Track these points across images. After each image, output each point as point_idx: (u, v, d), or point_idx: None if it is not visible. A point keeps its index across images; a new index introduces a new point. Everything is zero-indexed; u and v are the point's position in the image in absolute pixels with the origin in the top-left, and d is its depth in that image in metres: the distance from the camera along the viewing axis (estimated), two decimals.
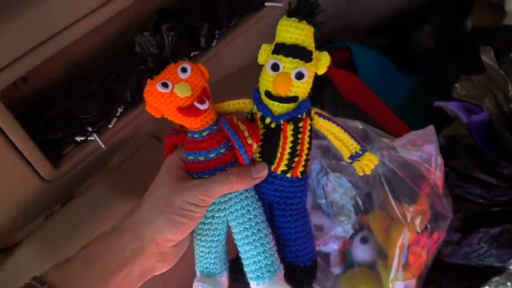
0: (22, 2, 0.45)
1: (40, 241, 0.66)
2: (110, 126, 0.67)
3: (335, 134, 0.45)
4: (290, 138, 0.44)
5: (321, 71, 0.43)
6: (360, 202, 0.79)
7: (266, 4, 0.82)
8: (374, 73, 1.03)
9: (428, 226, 0.75)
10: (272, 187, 0.46)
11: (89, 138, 0.65)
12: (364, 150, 0.44)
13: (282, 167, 0.45)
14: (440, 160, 0.72)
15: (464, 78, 0.93)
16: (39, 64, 0.49)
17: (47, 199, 0.68)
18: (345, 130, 0.45)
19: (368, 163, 0.44)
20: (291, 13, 0.42)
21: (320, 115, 0.45)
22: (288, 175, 0.45)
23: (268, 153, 0.45)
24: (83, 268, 0.41)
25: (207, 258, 0.48)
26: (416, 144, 0.71)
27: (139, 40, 0.45)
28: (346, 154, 0.45)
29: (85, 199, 0.70)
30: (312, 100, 0.85)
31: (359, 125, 0.75)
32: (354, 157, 0.45)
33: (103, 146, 0.66)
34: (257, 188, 0.46)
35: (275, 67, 0.42)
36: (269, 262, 0.45)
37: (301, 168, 0.46)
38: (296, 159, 0.45)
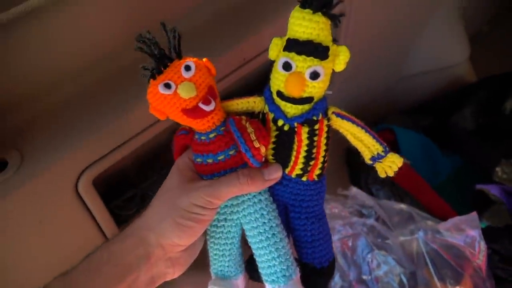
0: (117, 108, 0.55)
1: None
2: None
3: (355, 134, 0.41)
4: (305, 142, 0.41)
5: (340, 67, 0.39)
6: (405, 281, 0.79)
7: None
8: (417, 154, 1.06)
9: None
10: (287, 190, 0.43)
11: None
12: (386, 152, 0.41)
13: (297, 171, 0.42)
14: (483, 245, 0.75)
15: (505, 162, 0.96)
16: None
17: None
18: (366, 131, 0.41)
19: (391, 165, 0.41)
20: (304, 3, 0.37)
21: (338, 115, 0.41)
22: (304, 178, 0.42)
23: (282, 156, 0.42)
24: (87, 277, 0.39)
25: (221, 261, 0.45)
26: (460, 229, 0.75)
27: (139, 39, 0.39)
28: (367, 155, 0.42)
29: None
30: (357, 178, 0.90)
31: (404, 207, 0.80)
32: (376, 158, 0.41)
33: None
34: (271, 190, 0.44)
35: (287, 66, 0.38)
36: (285, 267, 0.42)
37: (317, 171, 0.42)
38: (312, 163, 0.42)
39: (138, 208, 0.68)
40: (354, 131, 0.41)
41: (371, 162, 0.42)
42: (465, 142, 1.12)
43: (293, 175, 0.43)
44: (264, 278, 0.44)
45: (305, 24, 0.37)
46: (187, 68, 0.38)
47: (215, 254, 0.45)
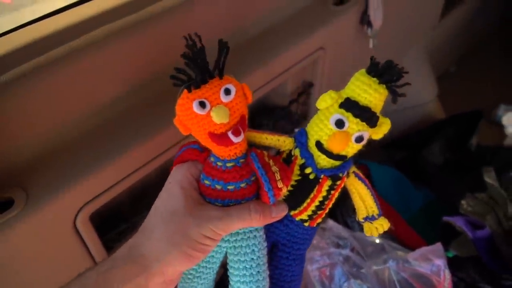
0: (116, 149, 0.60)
1: None
2: None
3: (360, 194, 0.43)
4: (324, 193, 0.41)
5: (378, 137, 0.40)
6: None
7: (296, 130, 0.96)
8: (390, 188, 1.11)
9: None
10: (285, 230, 0.44)
11: None
12: (380, 215, 0.43)
13: (303, 217, 0.42)
14: (448, 274, 0.80)
15: (469, 196, 1.03)
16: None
17: None
18: (372, 194, 0.43)
19: (379, 227, 0.43)
20: (371, 71, 0.38)
21: (357, 175, 0.42)
22: (306, 224, 0.43)
23: (295, 200, 0.42)
24: None
25: (194, 282, 0.43)
26: (426, 258, 0.81)
27: (191, 47, 0.36)
28: (362, 214, 0.43)
29: None
30: (334, 210, 0.96)
31: (377, 239, 0.86)
32: (369, 219, 0.43)
33: None
34: (269, 226, 0.43)
35: (339, 124, 0.38)
36: None
37: (319, 220, 0.43)
38: (319, 212, 0.42)
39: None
40: (362, 192, 0.42)
41: (363, 221, 0.43)
42: (433, 176, 1.17)
43: (297, 218, 0.43)
44: None
45: (370, 92, 0.37)
46: (227, 91, 0.36)
47: (190, 274, 0.43)
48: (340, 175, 0.41)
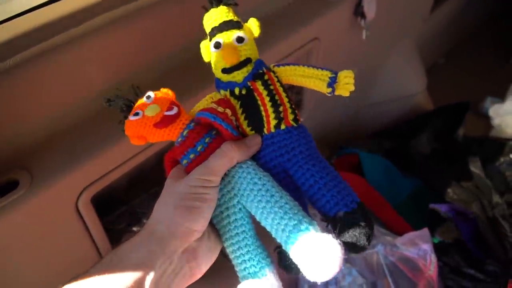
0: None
1: None
2: None
3: (302, 74, 0.43)
4: (264, 92, 0.43)
5: (257, 31, 0.45)
6: None
7: None
8: (379, 176, 1.15)
9: None
10: (275, 148, 0.43)
11: None
12: (335, 72, 0.42)
13: (273, 122, 0.43)
14: (434, 258, 0.84)
15: (455, 184, 1.06)
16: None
17: None
18: (308, 66, 0.43)
19: (348, 81, 0.41)
20: (207, 8, 0.47)
21: (279, 65, 0.45)
22: (282, 126, 0.43)
23: (255, 118, 0.44)
24: (98, 280, 0.36)
25: (240, 258, 0.43)
26: (414, 243, 0.84)
27: (108, 102, 0.47)
28: (323, 86, 0.42)
29: None
30: None
31: None
32: (331, 83, 0.41)
33: None
34: (264, 159, 0.43)
35: (217, 45, 0.44)
36: (296, 222, 0.38)
37: (291, 116, 0.43)
38: (281, 108, 0.43)
39: (128, 223, 0.75)
40: (300, 72, 0.43)
41: (330, 90, 0.41)
42: (421, 165, 1.20)
43: (272, 129, 0.43)
44: (284, 246, 0.39)
45: (214, 15, 0.46)
46: (148, 97, 0.44)
47: (233, 252, 0.43)
48: (261, 71, 0.44)
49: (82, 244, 0.66)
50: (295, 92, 0.94)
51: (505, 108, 1.41)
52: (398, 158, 1.25)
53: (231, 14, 0.46)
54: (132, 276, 0.36)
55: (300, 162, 0.42)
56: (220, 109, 0.43)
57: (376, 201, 1.08)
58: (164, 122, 0.43)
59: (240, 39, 0.44)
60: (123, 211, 0.75)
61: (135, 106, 0.45)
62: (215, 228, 0.44)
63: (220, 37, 0.44)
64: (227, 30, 0.45)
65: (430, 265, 0.83)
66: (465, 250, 0.95)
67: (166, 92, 0.46)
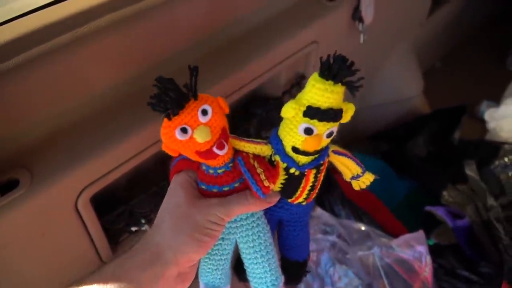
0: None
1: None
2: None
3: (343, 163, 0.46)
4: (312, 180, 0.44)
5: (346, 120, 0.42)
6: None
7: None
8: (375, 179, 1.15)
9: None
10: (287, 212, 0.48)
11: (142, 228, 0.78)
12: (364, 172, 0.46)
13: (301, 200, 0.46)
14: (429, 259, 0.85)
15: (451, 187, 1.07)
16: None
17: None
18: (353, 159, 0.45)
19: (365, 181, 0.46)
20: (324, 74, 0.38)
21: (336, 152, 0.45)
22: (304, 203, 0.47)
23: (288, 193, 0.45)
24: None
25: (213, 274, 0.48)
26: (409, 245, 0.85)
27: (160, 82, 0.38)
28: (348, 176, 0.46)
29: None
30: (321, 199, 1.00)
31: (362, 226, 0.89)
32: (355, 177, 0.46)
33: None
34: (272, 211, 0.47)
35: (308, 131, 0.40)
36: (274, 278, 0.46)
37: (314, 195, 0.47)
38: (312, 192, 0.46)
39: (126, 223, 0.75)
40: (344, 162, 0.45)
41: (349, 180, 0.47)
42: (417, 167, 1.21)
43: (295, 202, 0.47)
44: (253, 286, 0.48)
45: (328, 95, 0.38)
46: (204, 112, 0.38)
47: (209, 268, 0.47)
48: (321, 162, 0.44)
49: (80, 243, 0.66)
50: (294, 94, 0.95)
51: (500, 112, 1.42)
52: (395, 161, 1.25)
53: (341, 99, 0.40)
54: None
55: (298, 227, 0.50)
56: (266, 183, 0.41)
57: (372, 203, 1.08)
58: (208, 155, 0.40)
59: (330, 135, 0.41)
60: (122, 210, 0.75)
61: (186, 112, 0.38)
62: None
63: (316, 126, 0.40)
64: (328, 121, 0.40)
65: (426, 267, 0.84)
66: (459, 252, 0.96)
67: (222, 106, 0.40)
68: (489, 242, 0.95)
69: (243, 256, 0.47)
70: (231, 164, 0.42)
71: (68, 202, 0.60)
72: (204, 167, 0.43)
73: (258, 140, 0.44)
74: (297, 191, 0.45)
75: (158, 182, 0.78)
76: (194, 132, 0.38)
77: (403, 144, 1.30)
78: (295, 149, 0.42)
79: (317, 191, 0.46)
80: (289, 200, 0.46)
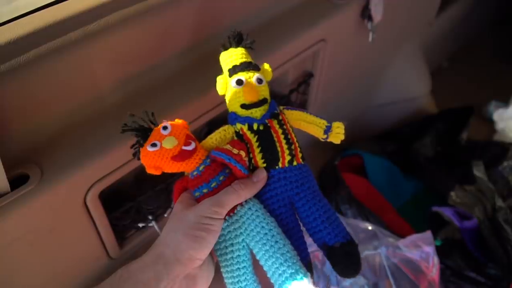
0: None
1: None
2: (165, 215, 0.81)
3: (304, 119, 0.51)
4: (280, 130, 0.48)
5: (269, 77, 0.51)
6: None
7: None
8: (382, 178, 1.15)
9: None
10: (286, 183, 0.48)
11: (149, 225, 0.79)
12: (330, 122, 0.50)
13: (287, 158, 0.48)
14: (436, 260, 0.85)
15: (458, 188, 1.06)
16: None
17: (108, 273, 0.78)
18: (310, 113, 0.51)
19: (339, 131, 0.50)
20: (226, 46, 0.53)
21: (287, 108, 0.51)
22: (294, 163, 0.48)
23: (270, 152, 0.48)
24: None
25: (241, 283, 0.46)
26: (416, 245, 0.84)
27: (125, 128, 0.48)
28: (320, 132, 0.50)
29: None
30: (328, 198, 1.01)
31: (369, 226, 0.89)
32: (326, 131, 0.49)
33: (159, 232, 0.78)
34: (275, 191, 0.48)
35: (239, 82, 0.48)
36: (293, 271, 0.43)
37: (300, 154, 0.49)
38: (293, 147, 0.49)
39: (133, 219, 0.76)
40: (303, 117, 0.51)
41: (325, 136, 0.50)
42: (424, 168, 1.21)
43: (286, 164, 0.48)
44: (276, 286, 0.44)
45: (235, 54, 0.51)
46: (165, 128, 0.46)
47: (231, 283, 0.47)
48: (276, 112, 0.49)
49: (88, 238, 0.66)
50: (301, 93, 0.95)
51: (509, 113, 1.41)
52: (402, 161, 1.25)
53: (249, 57, 0.51)
54: None
55: (308, 197, 0.48)
56: (235, 151, 0.46)
57: (379, 203, 1.08)
58: (182, 156, 0.45)
59: (260, 80, 0.49)
60: (129, 207, 0.75)
61: (152, 135, 0.46)
62: (212, 258, 0.49)
63: (242, 75, 0.49)
64: (248, 70, 0.49)
65: (433, 267, 0.83)
66: (467, 253, 0.95)
67: (182, 124, 0.48)
68: (497, 243, 0.94)
69: (257, 257, 0.46)
70: (208, 160, 0.47)
71: (77, 198, 0.60)
72: (190, 176, 0.48)
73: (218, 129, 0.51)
74: (276, 147, 0.48)
75: (165, 179, 0.78)
76: (162, 143, 0.45)
77: (410, 144, 1.29)
78: (244, 106, 0.49)
79: (298, 148, 0.49)
80: (280, 164, 0.48)
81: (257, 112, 0.49)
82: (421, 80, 1.44)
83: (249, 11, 0.78)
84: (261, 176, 0.47)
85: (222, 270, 0.48)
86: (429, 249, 0.83)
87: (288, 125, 0.50)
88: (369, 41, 0.98)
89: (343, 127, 0.50)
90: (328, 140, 0.50)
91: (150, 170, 0.46)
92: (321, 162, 1.19)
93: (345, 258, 0.46)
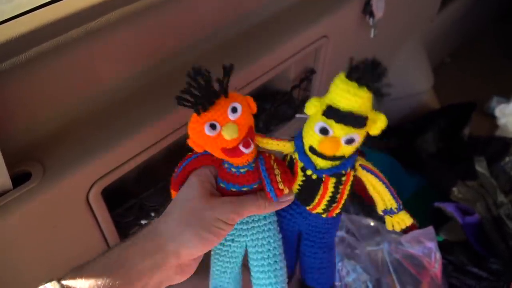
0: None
1: None
2: None
3: (374, 186, 0.44)
4: (331, 190, 0.42)
5: (375, 132, 0.40)
6: (370, 286, 0.87)
7: (297, 116, 0.96)
8: (384, 174, 1.14)
9: None
10: (305, 221, 0.46)
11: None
12: (399, 209, 0.43)
13: (319, 210, 0.44)
14: (438, 255, 0.84)
15: (461, 183, 1.06)
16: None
17: None
18: (386, 186, 0.43)
19: (400, 222, 0.44)
20: (350, 75, 0.36)
21: (363, 167, 0.43)
22: (324, 215, 0.45)
23: (306, 197, 0.44)
24: (101, 275, 0.39)
25: (222, 277, 0.47)
26: (419, 241, 0.84)
27: (196, 73, 0.37)
28: (380, 207, 0.44)
29: None
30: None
31: (371, 222, 0.89)
32: (388, 212, 0.44)
33: None
34: (290, 217, 0.46)
35: (324, 131, 0.38)
36: None
37: (337, 211, 0.45)
38: (334, 205, 0.44)
39: (136, 216, 0.76)
40: (376, 185, 0.44)
41: (382, 214, 0.45)
42: (427, 163, 1.21)
43: (314, 211, 0.45)
44: None
45: (349, 97, 0.36)
46: (234, 110, 0.38)
47: (218, 270, 0.47)
48: (343, 172, 0.41)
49: (91, 236, 0.67)
50: (304, 89, 0.95)
51: (511, 108, 1.41)
52: (404, 156, 1.25)
53: (366, 105, 0.37)
54: (132, 281, 0.40)
55: (316, 245, 0.47)
56: (281, 186, 0.41)
57: None
58: (234, 153, 0.40)
59: (349, 141, 0.38)
60: (132, 204, 0.75)
61: (215, 108, 0.38)
62: None
63: (332, 127, 0.37)
64: (346, 125, 0.37)
65: (435, 262, 0.83)
66: (469, 249, 0.95)
67: (250, 105, 0.41)
68: (499, 238, 0.94)
69: (250, 262, 0.46)
70: (253, 164, 0.42)
71: (79, 195, 0.60)
72: (226, 165, 0.43)
73: (282, 137, 0.44)
74: (314, 197, 0.43)
75: (168, 176, 0.78)
76: (222, 129, 0.38)
77: (412, 140, 1.29)
78: (312, 149, 0.40)
79: (340, 206, 0.44)
80: (308, 208, 0.45)
81: (321, 162, 0.41)
82: (423, 75, 1.44)
83: (250, 8, 0.78)
84: (287, 199, 0.44)
85: (212, 255, 0.47)
86: (431, 245, 0.83)
87: (349, 187, 0.43)
88: (371, 37, 0.98)
89: (408, 223, 0.45)
90: (383, 216, 0.45)
91: (192, 144, 0.41)
92: None
93: None
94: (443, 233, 1.02)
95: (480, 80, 1.69)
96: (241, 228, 0.45)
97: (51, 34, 0.54)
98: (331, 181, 0.42)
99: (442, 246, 0.88)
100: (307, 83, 0.94)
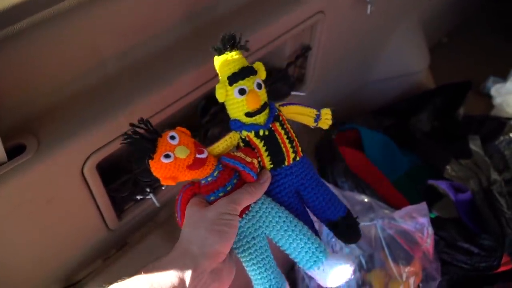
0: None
1: (100, 281, 0.78)
2: (163, 188, 0.81)
3: (297, 112, 0.53)
4: (282, 131, 0.51)
5: (264, 75, 0.51)
6: (363, 261, 0.90)
7: (292, 93, 0.96)
8: (378, 152, 1.15)
9: (420, 285, 0.87)
10: (293, 177, 0.52)
11: (146, 197, 0.79)
12: (319, 110, 0.53)
13: (292, 156, 0.52)
14: (431, 231, 0.86)
15: (454, 161, 1.07)
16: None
17: (107, 245, 0.80)
18: (301, 105, 0.54)
19: (327, 117, 0.54)
20: (220, 51, 0.50)
21: (283, 105, 0.53)
22: (297, 158, 0.52)
23: (277, 155, 0.51)
24: (142, 284, 0.41)
25: (266, 276, 0.49)
26: (411, 216, 0.85)
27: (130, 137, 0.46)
28: (311, 121, 0.54)
29: (140, 246, 0.84)
30: (325, 171, 1.01)
31: (365, 198, 0.90)
32: (316, 119, 0.53)
33: (157, 204, 0.79)
34: (284, 185, 0.52)
35: (242, 92, 0.49)
36: (317, 245, 0.49)
37: (299, 148, 0.53)
38: (294, 144, 0.52)
39: (131, 191, 0.76)
40: (295, 110, 0.53)
41: (315, 124, 0.54)
42: (421, 142, 1.22)
43: (291, 161, 0.52)
44: (306, 267, 0.50)
45: (232, 60, 0.49)
46: (172, 138, 0.46)
47: (259, 273, 0.49)
48: (277, 113, 0.51)
49: (87, 209, 0.67)
50: (299, 66, 0.94)
51: (507, 88, 1.41)
52: (398, 135, 1.26)
53: (245, 60, 0.50)
54: (169, 282, 0.42)
55: (312, 185, 0.53)
56: (248, 159, 0.49)
57: (374, 176, 1.09)
58: (197, 164, 0.46)
59: (260, 86, 0.50)
60: (126, 179, 0.76)
61: (160, 146, 0.45)
62: (232, 253, 0.50)
63: (244, 84, 0.49)
64: (248, 76, 0.49)
65: (427, 238, 0.85)
66: (461, 225, 0.96)
67: (187, 132, 0.49)
68: (491, 214, 0.95)
69: (280, 244, 0.50)
70: (220, 165, 0.49)
71: (74, 168, 0.60)
72: (202, 182, 0.49)
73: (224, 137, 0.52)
74: (281, 148, 0.51)
75: None
76: (175, 153, 0.45)
77: (407, 119, 1.30)
78: (248, 114, 0.50)
79: (297, 142, 0.52)
80: (286, 163, 0.52)
81: (260, 118, 0.50)
82: (419, 55, 1.43)
83: None
84: (266, 177, 0.50)
85: (246, 266, 0.50)
86: (424, 220, 0.84)
87: (287, 122, 0.52)
88: (367, 13, 0.97)
89: (330, 113, 0.54)
90: (318, 126, 0.54)
91: (166, 181, 0.46)
92: (318, 136, 1.20)
93: (348, 229, 0.54)
94: (436, 210, 1.03)
95: (477, 60, 1.68)
96: (253, 224, 0.49)
97: (45, 4, 0.54)
98: (278, 126, 0.51)
99: (434, 223, 0.89)
100: (302, 60, 0.94)
